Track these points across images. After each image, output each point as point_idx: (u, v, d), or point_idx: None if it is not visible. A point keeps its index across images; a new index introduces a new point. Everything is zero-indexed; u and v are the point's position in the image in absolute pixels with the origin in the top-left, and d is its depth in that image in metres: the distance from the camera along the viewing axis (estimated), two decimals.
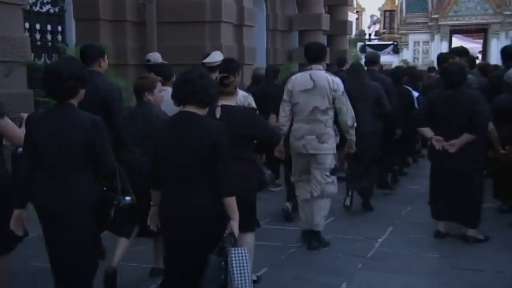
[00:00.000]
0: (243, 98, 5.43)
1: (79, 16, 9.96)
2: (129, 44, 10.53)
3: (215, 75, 5.18)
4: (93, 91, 5.01)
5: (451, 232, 6.18)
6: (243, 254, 3.61)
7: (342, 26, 17.35)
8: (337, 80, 5.98)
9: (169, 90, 4.60)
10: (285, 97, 6.02)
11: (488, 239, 6.05)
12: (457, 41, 27.11)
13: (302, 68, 8.07)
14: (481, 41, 27.67)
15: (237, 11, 11.64)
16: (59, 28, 9.91)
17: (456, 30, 27.63)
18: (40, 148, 3.72)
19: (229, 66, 5.80)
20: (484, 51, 26.71)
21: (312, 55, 6.09)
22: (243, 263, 3.59)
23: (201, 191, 3.59)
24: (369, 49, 27.88)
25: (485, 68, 9.45)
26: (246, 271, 3.60)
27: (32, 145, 3.74)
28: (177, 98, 3.73)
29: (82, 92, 3.85)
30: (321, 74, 5.91)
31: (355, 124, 6.05)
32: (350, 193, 7.18)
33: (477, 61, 13.41)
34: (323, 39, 15.20)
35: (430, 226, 6.37)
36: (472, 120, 5.79)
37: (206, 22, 10.76)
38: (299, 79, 6.02)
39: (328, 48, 9.59)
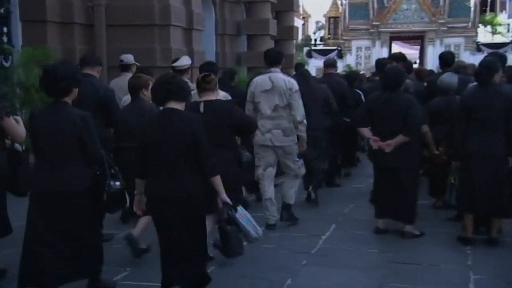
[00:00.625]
0: (224, 97, 5.96)
1: (26, 17, 9.60)
2: (77, 46, 10.22)
3: (186, 77, 6.47)
4: (92, 91, 5.87)
5: (390, 228, 6.25)
6: (243, 212, 4.56)
7: (288, 31, 17.39)
8: (292, 80, 6.60)
9: None
10: (248, 98, 6.56)
11: (424, 234, 6.17)
12: (396, 47, 27.61)
13: (250, 72, 8.42)
14: (418, 47, 28.20)
15: (186, 15, 11.51)
16: (5, 30, 9.52)
17: (395, 37, 28.10)
18: (40, 141, 4.23)
19: (211, 68, 6.69)
20: (421, 57, 27.17)
21: (271, 59, 6.68)
22: (248, 218, 4.58)
23: (187, 174, 4.06)
24: (314, 54, 28.18)
25: (421, 73, 9.77)
26: (252, 221, 4.65)
27: (33, 138, 4.26)
28: (158, 99, 4.26)
29: (75, 91, 4.33)
30: (278, 76, 6.47)
31: (305, 121, 6.47)
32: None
33: (414, 66, 13.68)
34: (270, 44, 15.21)
35: (371, 223, 6.46)
36: (406, 122, 5.93)
37: (155, 26, 10.61)
38: (260, 81, 6.54)
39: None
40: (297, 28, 19.71)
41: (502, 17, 31.13)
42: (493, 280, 5.06)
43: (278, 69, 6.61)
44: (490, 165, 5.81)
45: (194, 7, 11.79)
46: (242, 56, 14.36)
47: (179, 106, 4.16)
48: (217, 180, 4.19)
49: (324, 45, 32.53)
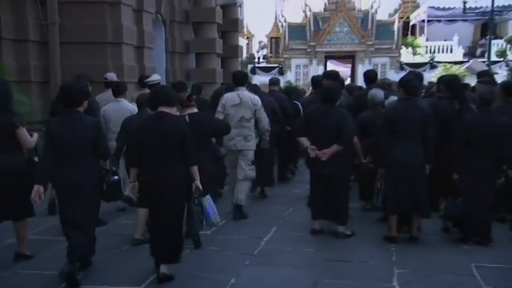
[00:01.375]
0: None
1: None
2: (32, 62, 9.97)
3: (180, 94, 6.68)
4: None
5: (325, 229, 6.30)
6: (210, 200, 5.20)
7: (234, 50, 17.39)
8: (257, 97, 7.36)
9: (124, 100, 7.34)
10: (219, 109, 7.22)
11: (354, 234, 6.25)
12: (331, 65, 28.01)
13: (196, 86, 9.13)
14: (350, 65, 28.63)
15: (138, 34, 11.34)
16: None
17: (330, 56, 28.47)
18: (58, 143, 4.83)
19: (183, 86, 7.34)
20: (353, 74, 27.61)
21: (238, 81, 7.44)
22: (211, 205, 5.19)
23: (175, 164, 4.79)
24: (258, 71, 28.27)
25: (351, 88, 10.15)
26: (215, 209, 5.24)
27: (51, 141, 4.84)
28: (152, 104, 4.98)
29: (85, 103, 5.11)
30: (245, 94, 7.27)
31: (269, 129, 7.48)
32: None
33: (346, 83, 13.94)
34: (217, 61, 15.22)
35: (308, 225, 6.47)
36: (340, 133, 6.01)
37: (107, 44, 10.41)
38: (230, 97, 7.28)
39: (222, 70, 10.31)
40: (241, 47, 19.75)
41: (421, 40, 32.03)
42: (414, 273, 5.13)
43: (244, 88, 7.42)
44: (411, 172, 5.93)
45: (145, 27, 11.63)
46: (190, 72, 14.26)
47: (168, 110, 4.86)
48: (195, 169, 4.89)
49: (266, 62, 32.71)
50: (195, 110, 6.20)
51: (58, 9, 10.11)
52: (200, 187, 4.93)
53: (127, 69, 10.56)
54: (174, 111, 4.99)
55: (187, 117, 5.85)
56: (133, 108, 7.08)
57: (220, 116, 7.10)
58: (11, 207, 5.24)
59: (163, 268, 4.79)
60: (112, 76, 8.63)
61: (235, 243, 6.06)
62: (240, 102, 7.15)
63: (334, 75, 8.97)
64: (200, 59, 14.69)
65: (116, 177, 5.23)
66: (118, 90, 7.48)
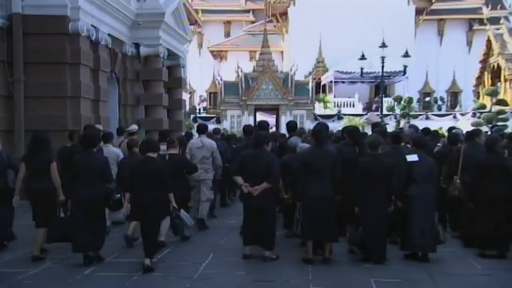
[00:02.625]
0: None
1: None
2: None
3: (135, 136, 9.14)
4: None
5: (254, 254, 6.24)
6: (184, 213, 6.54)
7: (178, 103, 17.33)
8: (213, 142, 8.45)
9: (110, 146, 8.01)
10: (187, 150, 8.14)
11: (279, 257, 6.22)
12: (259, 116, 28.34)
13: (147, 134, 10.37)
14: (275, 116, 29.02)
15: (94, 89, 11.12)
16: None
17: (258, 108, 28.79)
18: (79, 172, 5.93)
19: (167, 133, 9.56)
20: (277, 123, 27.98)
21: (201, 130, 8.59)
22: (186, 215, 6.58)
23: (158, 191, 5.89)
24: (199, 120, 28.15)
25: (275, 136, 10.11)
26: (189, 217, 6.69)
27: (74, 170, 5.97)
28: (142, 151, 6.18)
29: (98, 145, 6.52)
30: (206, 139, 8.41)
31: (221, 164, 8.50)
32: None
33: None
34: (163, 112, 15.09)
35: (240, 251, 6.40)
36: (268, 173, 6.09)
37: (67, 98, 10.12)
38: (194, 142, 8.43)
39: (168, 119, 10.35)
40: (184, 100, 19.74)
41: (330, 97, 32.98)
42: None
43: (205, 135, 8.57)
44: (323, 204, 5.99)
45: (101, 83, 11.43)
46: (140, 121, 14.03)
47: (153, 154, 6.06)
48: (171, 196, 6.03)
49: (206, 113, 32.74)
50: (175, 151, 7.35)
51: (24, 69, 9.85)
52: (176, 206, 6.15)
53: (84, 119, 10.28)
54: (155, 155, 6.11)
55: (167, 156, 7.12)
56: (117, 151, 8.10)
57: (188, 156, 8.03)
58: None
59: (147, 261, 5.71)
60: (99, 127, 9.29)
61: (177, 268, 5.91)
62: (202, 145, 8.20)
63: (264, 125, 9.15)
64: (149, 110, 14.54)
65: (118, 195, 6.35)
66: (107, 138, 8.00)
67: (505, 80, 29.70)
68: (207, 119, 28.57)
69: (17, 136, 9.53)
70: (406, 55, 24.48)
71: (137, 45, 13.76)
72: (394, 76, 30.01)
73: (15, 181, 6.37)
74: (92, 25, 10.83)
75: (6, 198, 6.38)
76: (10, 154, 7.03)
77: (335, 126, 18.85)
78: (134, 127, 10.11)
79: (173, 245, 6.90)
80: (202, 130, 8.62)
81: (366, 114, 28.96)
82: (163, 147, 7.28)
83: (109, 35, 11.88)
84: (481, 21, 38.45)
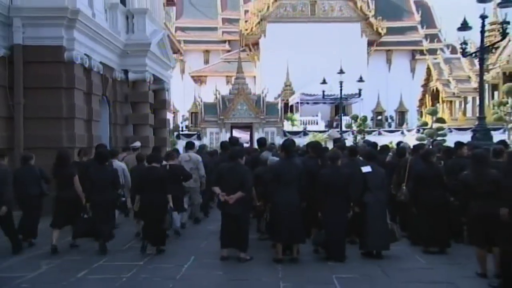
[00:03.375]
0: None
1: None
2: (0, 133, 9.38)
3: (137, 152, 9.30)
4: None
5: (231, 256, 6.20)
6: (176, 215, 7.42)
7: (163, 122, 17.11)
8: (198, 156, 8.98)
9: (116, 160, 8.40)
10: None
11: (252, 258, 6.16)
12: (235, 133, 28.34)
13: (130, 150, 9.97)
14: (249, 132, 29.05)
15: (87, 111, 10.87)
16: None
17: (234, 126, 28.78)
18: (94, 181, 6.54)
19: (159, 148, 9.87)
20: (251, 139, 28.00)
21: (189, 146, 9.14)
22: (177, 215, 7.44)
23: (160, 193, 6.50)
24: (182, 137, 27.98)
25: (248, 150, 9.99)
26: (178, 218, 7.63)
27: (90, 180, 6.57)
28: (148, 161, 6.97)
29: (109, 160, 7.37)
30: (192, 154, 8.95)
31: (205, 175, 8.72)
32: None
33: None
34: (150, 130, 14.87)
35: (219, 253, 6.32)
36: (242, 183, 6.08)
37: (62, 118, 9.88)
38: (183, 156, 8.90)
39: (154, 136, 10.32)
40: (168, 119, 19.51)
41: (296, 116, 33.30)
42: (295, 285, 5.18)
43: (192, 151, 9.04)
44: (290, 210, 5.98)
45: (93, 105, 11.19)
46: (129, 139, 13.77)
47: (156, 165, 6.83)
48: (169, 197, 6.60)
49: (188, 130, 32.58)
50: (175, 161, 8.01)
51: (23, 93, 9.62)
52: (172, 206, 6.71)
53: (78, 137, 10.05)
54: (158, 165, 6.89)
55: (168, 166, 7.54)
56: (122, 164, 8.48)
57: None
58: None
59: (150, 249, 6.52)
60: (137, 144, 10.28)
61: (162, 270, 5.81)
62: (190, 159, 8.72)
63: (234, 141, 9.48)
64: (137, 129, 14.30)
65: (123, 199, 7.58)
66: (114, 154, 8.54)
67: (443, 102, 30.63)
68: (189, 136, 28.43)
69: (17, 153, 9.25)
70: (361, 80, 25.08)
71: (126, 72, 13.60)
72: (351, 98, 30.58)
73: (46, 189, 7.24)
74: (85, 54, 10.66)
75: (38, 203, 7.10)
76: (42, 169, 7.32)
77: (301, 141, 19.03)
78: (138, 144, 10.37)
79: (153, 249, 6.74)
80: (190, 146, 9.24)
81: (327, 130, 29.32)
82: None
83: (101, 62, 11.73)
84: (421, 52, 39.69)
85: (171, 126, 26.35)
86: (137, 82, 14.06)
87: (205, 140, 27.81)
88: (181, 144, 22.37)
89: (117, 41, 12.69)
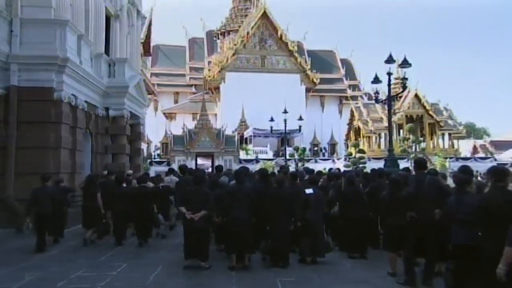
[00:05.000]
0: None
1: None
2: None
3: (132, 178, 9.37)
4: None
5: (193, 265, 5.98)
6: (162, 219, 8.42)
7: (137, 151, 16.66)
8: (177, 179, 9.06)
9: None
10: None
11: (211, 266, 5.98)
12: (199, 160, 28.08)
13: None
14: (210, 160, 28.83)
15: (72, 141, 10.45)
16: None
17: (199, 154, 28.49)
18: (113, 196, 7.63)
19: (146, 176, 9.70)
20: (212, 166, 27.77)
21: (171, 172, 9.51)
22: (163, 219, 8.45)
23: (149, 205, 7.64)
24: (154, 164, 27.26)
25: (210, 175, 9.82)
26: (163, 221, 8.53)
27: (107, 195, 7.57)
28: (138, 182, 7.79)
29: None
30: (172, 177, 9.26)
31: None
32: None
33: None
34: (126, 159, 14.42)
35: (182, 263, 6.09)
36: (205, 203, 5.94)
37: (50, 148, 9.45)
38: (166, 179, 9.39)
39: (130, 163, 9.94)
40: (143, 149, 19.11)
41: (250, 146, 33.52)
42: None
43: (172, 175, 9.42)
44: (242, 225, 5.86)
45: (77, 137, 10.79)
46: (108, 165, 13.28)
47: (146, 185, 7.74)
48: (154, 206, 7.74)
49: (159, 158, 31.80)
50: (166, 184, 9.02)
51: (16, 126, 9.20)
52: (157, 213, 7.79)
53: (63, 164, 9.64)
54: (150, 185, 8.04)
55: (160, 186, 8.45)
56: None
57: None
58: None
59: (140, 240, 7.45)
60: (130, 172, 10.99)
61: (133, 279, 5.49)
62: (171, 181, 9.25)
63: (184, 167, 9.23)
64: (115, 157, 13.85)
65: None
66: (121, 178, 8.81)
67: (363, 137, 31.88)
68: (160, 163, 27.80)
69: (8, 178, 8.74)
70: (300, 118, 25.82)
71: (107, 109, 13.26)
72: (293, 133, 31.26)
73: (69, 200, 8.36)
74: (72, 94, 10.35)
75: (64, 210, 7.95)
76: (66, 185, 8.64)
77: (254, 167, 19.09)
78: (130, 172, 11.33)
79: (129, 261, 6.46)
80: (171, 171, 9.92)
81: (275, 158, 29.52)
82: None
83: (86, 101, 11.40)
84: (346, 98, 41.54)
85: (145, 154, 25.68)
86: (116, 118, 13.72)
87: (174, 166, 27.30)
88: (153, 170, 21.85)
89: (100, 84, 12.42)
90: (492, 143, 41.16)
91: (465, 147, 37.28)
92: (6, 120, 9.16)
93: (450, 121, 32.01)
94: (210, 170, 24.61)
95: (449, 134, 31.80)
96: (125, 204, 7.66)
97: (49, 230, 7.29)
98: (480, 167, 19.79)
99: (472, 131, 52.53)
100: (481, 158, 29.98)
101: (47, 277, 5.52)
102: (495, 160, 27.95)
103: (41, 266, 6.06)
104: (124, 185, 8.49)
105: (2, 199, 8.40)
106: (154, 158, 31.18)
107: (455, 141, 32.35)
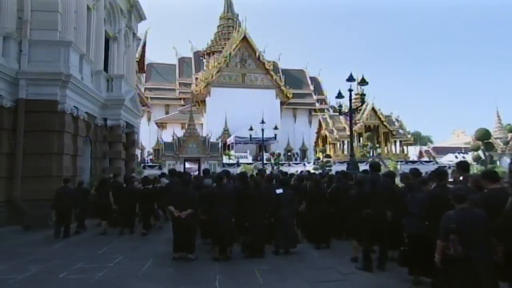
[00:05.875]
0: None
1: None
2: (2, 165, 8.58)
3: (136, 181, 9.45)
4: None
5: (181, 256, 5.97)
6: (161, 212, 8.77)
7: (132, 156, 16.29)
8: (166, 180, 9.13)
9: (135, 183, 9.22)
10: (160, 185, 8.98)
11: (197, 258, 5.96)
12: (187, 164, 27.78)
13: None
14: (197, 164, 28.58)
15: (73, 148, 10.23)
16: None
17: (187, 159, 28.20)
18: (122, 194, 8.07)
19: (148, 179, 9.10)
20: (199, 169, 27.51)
21: (164, 175, 9.16)
22: (161, 213, 8.77)
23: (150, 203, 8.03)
24: (147, 167, 26.79)
25: (196, 178, 9.78)
26: (163, 216, 8.89)
27: (118, 194, 8.10)
28: (143, 184, 7.74)
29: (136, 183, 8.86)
30: (164, 180, 9.06)
31: None
32: None
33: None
34: (122, 163, 14.16)
35: (171, 255, 6.07)
36: (192, 202, 5.91)
37: (53, 154, 9.25)
38: (163, 181, 9.00)
39: (125, 167, 9.82)
40: (137, 155, 18.81)
41: (232, 152, 33.45)
42: (227, 277, 5.02)
43: (164, 178, 9.32)
44: (224, 221, 5.83)
45: (78, 144, 10.56)
46: (106, 169, 13.06)
47: (148, 186, 8.02)
48: (155, 204, 8.00)
49: (152, 163, 31.23)
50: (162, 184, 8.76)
51: (24, 134, 8.97)
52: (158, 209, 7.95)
53: (65, 168, 9.42)
54: (150, 187, 8.32)
55: (158, 187, 8.42)
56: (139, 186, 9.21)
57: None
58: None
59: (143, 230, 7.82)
60: (134, 174, 11.57)
61: (127, 270, 5.45)
62: (163, 182, 9.12)
63: (174, 171, 9.17)
64: (112, 161, 13.59)
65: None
66: (129, 180, 9.12)
67: (329, 143, 32.42)
68: (152, 166, 27.29)
69: (15, 181, 8.50)
70: (276, 128, 26.13)
71: (105, 119, 13.04)
72: (269, 140, 31.47)
73: (89, 200, 8.80)
74: (74, 106, 10.17)
75: (70, 210, 8.06)
76: (87, 187, 9.14)
77: (235, 171, 19.10)
78: (134, 174, 11.82)
79: (124, 254, 6.38)
80: (163, 175, 10.26)
81: (254, 163, 29.54)
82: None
83: (86, 112, 11.21)
84: (315, 110, 42.12)
85: (139, 159, 25.26)
86: (113, 127, 13.51)
87: (165, 170, 26.92)
88: (147, 172, 21.51)
89: (99, 97, 12.24)
90: (435, 149, 42.71)
91: (412, 152, 38.52)
92: (14, 129, 8.95)
93: (401, 130, 33.04)
94: (196, 173, 24.46)
95: (400, 141, 32.80)
96: (131, 201, 8.34)
97: (67, 223, 7.91)
98: (424, 169, 20.49)
99: (418, 139, 54.21)
100: (426, 162, 31.13)
101: (51, 269, 5.43)
102: (437, 163, 29.00)
103: (45, 259, 5.95)
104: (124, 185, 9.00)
105: (10, 200, 8.22)
106: (147, 163, 30.63)
107: (404, 147, 33.40)
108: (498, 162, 28.36)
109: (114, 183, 8.94)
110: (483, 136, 25.29)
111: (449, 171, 9.13)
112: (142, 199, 8.34)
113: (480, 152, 26.21)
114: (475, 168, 20.78)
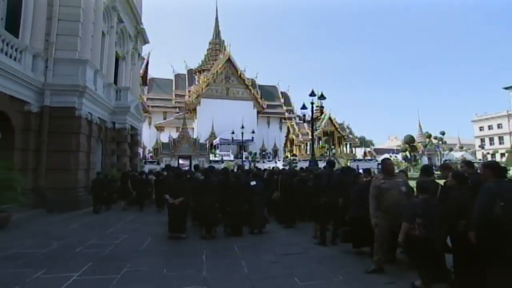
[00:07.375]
0: None
1: None
2: (30, 160, 8.47)
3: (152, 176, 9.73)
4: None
5: (175, 236, 5.74)
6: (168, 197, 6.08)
7: (135, 154, 15.84)
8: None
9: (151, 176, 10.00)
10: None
11: (188, 237, 5.73)
12: (181, 161, 27.41)
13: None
14: (189, 161, 28.25)
15: (87, 146, 9.97)
16: None
17: (181, 157, 27.74)
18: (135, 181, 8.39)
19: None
20: (190, 165, 27.14)
21: (173, 170, 7.70)
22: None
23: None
24: (148, 163, 26.12)
25: (188, 172, 9.07)
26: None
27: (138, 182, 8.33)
28: (155, 176, 7.58)
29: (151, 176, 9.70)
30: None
31: None
32: None
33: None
34: (127, 159, 13.84)
35: (167, 234, 5.81)
36: (183, 191, 5.73)
37: (71, 151, 9.08)
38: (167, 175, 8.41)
39: (130, 163, 9.82)
40: (139, 152, 18.22)
41: (217, 151, 33.06)
42: (215, 257, 4.74)
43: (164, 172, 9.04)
44: (209, 208, 5.66)
45: (92, 143, 10.33)
46: (114, 164, 12.77)
47: (152, 178, 7.89)
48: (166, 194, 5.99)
49: (151, 159, 30.50)
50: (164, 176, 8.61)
51: (47, 135, 8.89)
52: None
53: (81, 163, 9.25)
54: (154, 177, 8.82)
55: (161, 177, 8.42)
56: (152, 177, 10.33)
57: None
58: None
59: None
60: (144, 169, 12.78)
61: (129, 246, 5.18)
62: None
63: (169, 166, 9.12)
64: (119, 158, 13.29)
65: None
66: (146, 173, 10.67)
67: (296, 145, 33.03)
68: (152, 162, 26.78)
69: (40, 173, 8.41)
70: (253, 132, 26.45)
71: (114, 123, 12.80)
72: (248, 142, 31.62)
73: (114, 187, 9.54)
74: (89, 112, 10.00)
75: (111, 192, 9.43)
76: (112, 178, 9.77)
77: (220, 166, 19.16)
78: (144, 169, 12.51)
79: (128, 233, 6.24)
80: (163, 169, 10.30)
81: (235, 160, 29.64)
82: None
83: (98, 117, 11.02)
84: (285, 119, 42.58)
85: (141, 156, 24.64)
86: (120, 129, 13.27)
87: (162, 165, 26.42)
88: (147, 167, 21.10)
89: (109, 105, 12.05)
90: (375, 150, 44.64)
91: (359, 152, 40.05)
92: (40, 130, 8.86)
93: (350, 135, 34.29)
94: (188, 168, 24.21)
95: (350, 144, 34.01)
96: (144, 187, 9.51)
97: (101, 203, 8.90)
98: (367, 166, 21.42)
99: (364, 142, 56.16)
100: (369, 160, 32.58)
101: (69, 245, 5.36)
102: (377, 161, 30.43)
103: (65, 237, 5.85)
104: (152, 177, 10.23)
105: (36, 188, 8.31)
106: (148, 159, 29.96)
107: (353, 149, 34.71)
108: (419, 161, 30.20)
109: (132, 175, 10.03)
110: (409, 140, 26.80)
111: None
112: (155, 187, 9.49)
113: (407, 153, 27.72)
114: (403, 165, 21.90)
